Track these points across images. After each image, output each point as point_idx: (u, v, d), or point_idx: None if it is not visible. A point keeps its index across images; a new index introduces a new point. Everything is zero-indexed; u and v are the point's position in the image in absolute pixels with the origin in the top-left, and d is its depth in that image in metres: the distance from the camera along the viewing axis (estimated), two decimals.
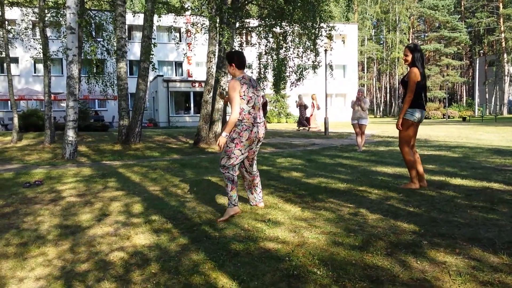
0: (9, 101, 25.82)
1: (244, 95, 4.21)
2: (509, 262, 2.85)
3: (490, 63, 55.63)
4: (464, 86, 67.30)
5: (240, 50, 17.11)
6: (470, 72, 65.94)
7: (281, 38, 16.82)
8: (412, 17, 62.75)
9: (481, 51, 59.69)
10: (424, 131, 18.08)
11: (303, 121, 22.70)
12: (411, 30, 63.66)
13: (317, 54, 16.33)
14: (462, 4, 62.46)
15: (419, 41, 66.83)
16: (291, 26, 16.08)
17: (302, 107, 22.65)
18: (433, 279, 2.65)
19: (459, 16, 60.39)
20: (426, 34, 64.19)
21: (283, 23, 15.89)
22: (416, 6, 59.61)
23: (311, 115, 22.63)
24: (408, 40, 61.78)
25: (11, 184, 7.03)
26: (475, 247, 3.15)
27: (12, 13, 17.77)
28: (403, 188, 5.42)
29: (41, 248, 3.66)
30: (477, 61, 51.88)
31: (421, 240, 3.35)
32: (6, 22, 15.41)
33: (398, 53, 56.63)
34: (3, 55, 15.85)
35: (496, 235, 3.39)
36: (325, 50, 18.06)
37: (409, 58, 5.34)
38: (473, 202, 4.56)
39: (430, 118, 39.93)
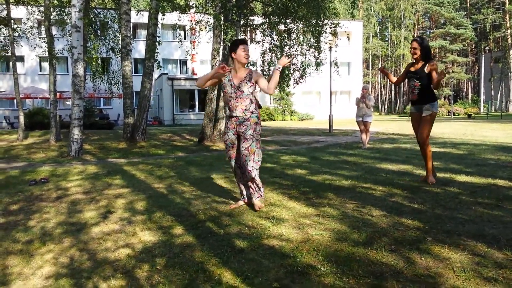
0: (15, 100, 25.97)
1: None
2: None
3: (495, 59, 55.31)
4: (469, 83, 66.98)
5: None
6: (476, 69, 65.58)
7: (285, 35, 16.82)
8: (417, 13, 62.45)
9: (487, 48, 59.30)
10: None
11: None
12: (416, 27, 63.36)
13: (319, 52, 16.31)
14: (468, 1, 62.07)
15: None
16: (295, 24, 16.06)
17: None
18: (437, 275, 2.65)
19: (465, 12, 60.05)
20: (432, 31, 63.87)
21: (287, 21, 15.89)
22: (422, 3, 59.33)
23: None
24: (413, 37, 61.49)
25: (17, 182, 7.08)
26: (480, 243, 3.15)
27: (18, 11, 17.83)
28: (426, 180, 5.51)
29: (47, 245, 3.69)
30: (483, 58, 51.62)
31: (426, 236, 3.35)
32: (12, 21, 15.49)
33: (403, 50, 56.45)
34: (9, 53, 15.95)
35: (501, 231, 3.39)
36: (330, 47, 18.03)
37: (418, 51, 5.34)
38: (478, 198, 4.55)
39: None
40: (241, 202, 4.70)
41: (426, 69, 5.36)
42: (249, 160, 4.31)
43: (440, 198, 4.63)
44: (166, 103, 33.32)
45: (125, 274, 2.97)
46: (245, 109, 4.35)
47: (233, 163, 4.55)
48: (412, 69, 5.55)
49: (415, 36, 60.22)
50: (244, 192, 4.68)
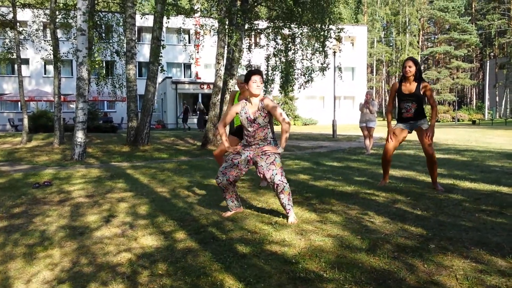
0: (19, 102, 26.09)
1: None
2: None
3: (500, 65, 55.11)
4: (474, 89, 66.81)
5: (248, 52, 17.16)
6: (480, 75, 65.42)
7: (289, 40, 16.84)
8: (422, 19, 62.43)
9: (492, 54, 59.20)
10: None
11: (202, 123, 24.27)
12: (421, 32, 63.34)
13: (326, 56, 16.31)
14: (473, 6, 62.04)
15: (429, 43, 66.44)
16: (300, 28, 16.08)
17: (200, 111, 24.99)
18: (440, 282, 2.63)
19: (470, 18, 59.92)
20: (436, 36, 63.81)
21: (292, 25, 15.91)
22: (426, 8, 59.33)
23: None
24: (418, 42, 61.51)
25: (20, 184, 7.10)
26: (483, 251, 3.13)
27: (23, 14, 17.92)
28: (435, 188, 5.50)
29: (49, 249, 3.69)
30: (488, 64, 51.49)
31: (429, 243, 3.33)
32: (18, 24, 15.57)
33: (408, 55, 56.37)
34: (14, 56, 16.04)
35: (505, 239, 3.37)
36: (334, 52, 18.03)
37: (413, 70, 5.28)
38: (482, 206, 4.53)
39: (440, 121, 39.67)
40: (233, 210, 4.52)
41: (421, 91, 5.31)
42: (276, 174, 4.08)
43: (443, 205, 4.61)
44: (170, 107, 33.39)
45: (126, 278, 2.97)
46: (264, 138, 4.20)
47: (225, 179, 4.25)
48: (406, 91, 5.39)
49: (420, 41, 60.28)
50: (236, 203, 4.51)
